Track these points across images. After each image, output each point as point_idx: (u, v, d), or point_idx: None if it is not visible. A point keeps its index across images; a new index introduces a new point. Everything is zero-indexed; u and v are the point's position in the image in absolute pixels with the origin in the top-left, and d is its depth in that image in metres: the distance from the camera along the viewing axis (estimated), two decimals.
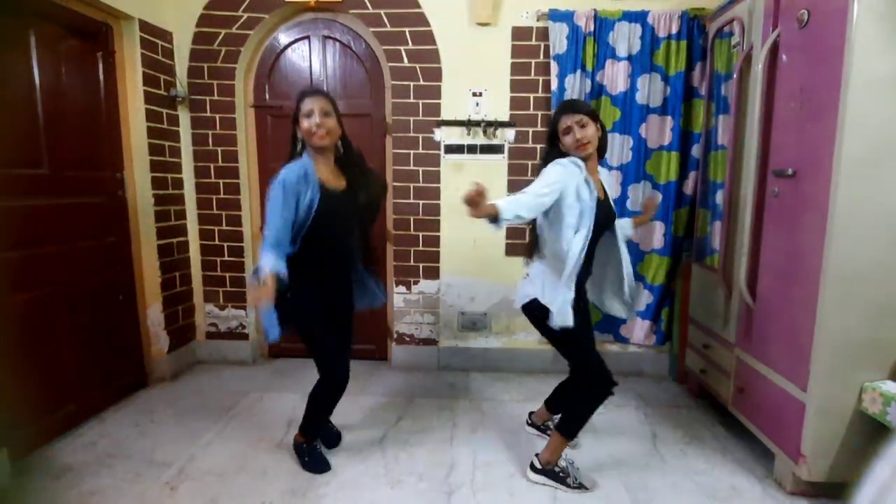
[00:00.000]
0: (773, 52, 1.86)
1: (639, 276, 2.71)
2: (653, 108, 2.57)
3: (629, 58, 2.54)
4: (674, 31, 2.49)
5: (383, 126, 2.83)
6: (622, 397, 2.55)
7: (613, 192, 1.87)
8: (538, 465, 1.84)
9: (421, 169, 2.76)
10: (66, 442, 2.07)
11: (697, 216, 2.55)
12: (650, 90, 2.55)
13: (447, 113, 2.71)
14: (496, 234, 2.77)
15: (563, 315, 1.64)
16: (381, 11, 2.64)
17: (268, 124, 2.87)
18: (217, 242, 2.87)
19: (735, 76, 2.07)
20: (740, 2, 2.10)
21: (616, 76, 2.56)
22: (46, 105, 2.04)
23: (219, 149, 2.80)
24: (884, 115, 1.50)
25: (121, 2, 2.32)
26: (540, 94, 2.68)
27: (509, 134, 2.71)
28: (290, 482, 1.83)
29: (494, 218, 1.51)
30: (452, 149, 2.73)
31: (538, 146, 2.67)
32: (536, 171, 1.79)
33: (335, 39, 2.78)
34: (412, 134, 2.74)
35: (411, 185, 2.77)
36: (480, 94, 2.69)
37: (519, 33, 2.64)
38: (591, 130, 1.66)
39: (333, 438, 2.08)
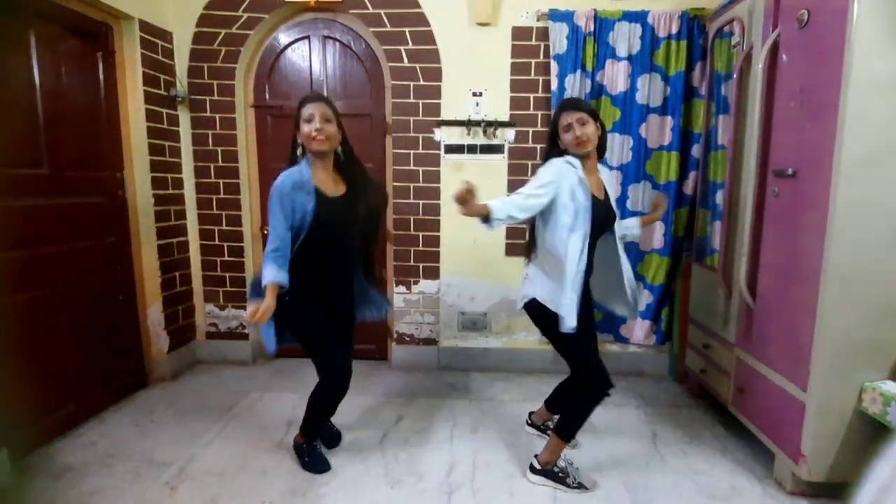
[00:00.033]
0: (773, 51, 1.86)
1: (639, 276, 2.71)
2: (653, 108, 2.57)
3: (629, 58, 2.54)
4: (674, 30, 2.49)
5: (383, 126, 2.83)
6: (622, 397, 2.55)
7: (615, 192, 1.87)
8: (537, 466, 1.84)
9: (421, 169, 2.76)
10: (66, 442, 2.07)
11: (697, 216, 2.55)
12: (650, 90, 2.55)
13: (447, 113, 2.71)
14: (496, 234, 2.77)
15: (570, 318, 1.64)
16: (381, 11, 2.64)
17: (268, 124, 2.87)
18: (217, 242, 2.87)
19: (735, 76, 2.07)
20: (740, 2, 2.10)
21: (616, 76, 2.56)
22: (46, 105, 2.04)
23: (219, 149, 2.80)
24: (884, 115, 1.50)
25: (121, 2, 2.32)
26: (540, 94, 2.68)
27: (509, 134, 2.71)
28: (290, 482, 1.83)
29: (487, 218, 1.56)
30: (452, 149, 2.73)
31: (538, 146, 2.67)
32: (537, 170, 1.80)
33: (335, 39, 2.78)
34: (412, 134, 2.74)
35: (411, 185, 2.77)
36: (480, 94, 2.69)
37: (519, 33, 2.64)
38: (591, 129, 1.67)
39: (333, 438, 2.08)
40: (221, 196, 2.83)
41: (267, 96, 2.85)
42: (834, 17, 1.55)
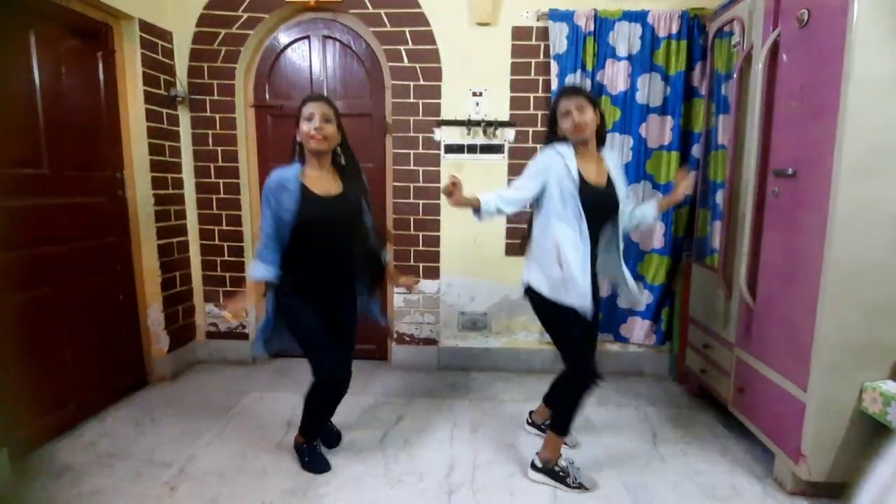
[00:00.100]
0: (774, 51, 1.86)
1: (639, 276, 2.71)
2: (653, 108, 2.57)
3: (629, 57, 2.54)
4: (674, 30, 2.49)
5: (383, 126, 2.83)
6: (622, 397, 2.56)
7: (621, 180, 1.80)
8: (538, 464, 1.84)
9: (421, 169, 2.76)
10: (66, 442, 2.07)
11: (697, 216, 2.55)
12: (650, 90, 2.55)
13: (447, 113, 2.71)
14: (496, 234, 2.78)
15: (584, 308, 1.68)
16: (381, 11, 2.64)
17: (268, 124, 2.87)
18: (217, 242, 2.87)
19: (735, 76, 2.07)
20: (740, 1, 2.10)
21: (616, 76, 2.56)
22: (46, 105, 2.04)
23: (219, 149, 2.80)
24: (884, 115, 1.50)
25: (121, 2, 2.32)
26: (540, 94, 2.68)
27: (509, 134, 2.71)
28: (290, 482, 1.83)
29: (478, 209, 1.67)
30: (452, 148, 2.73)
31: (538, 146, 2.66)
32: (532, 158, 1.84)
33: (335, 39, 2.78)
34: (412, 134, 2.74)
35: (411, 185, 2.77)
36: (480, 94, 2.69)
37: (519, 33, 2.64)
38: (590, 115, 1.68)
39: (333, 438, 2.08)
40: (221, 196, 2.83)
41: (267, 96, 2.85)
42: (834, 17, 1.55)
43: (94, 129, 2.32)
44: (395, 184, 2.78)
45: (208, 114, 2.77)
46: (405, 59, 2.68)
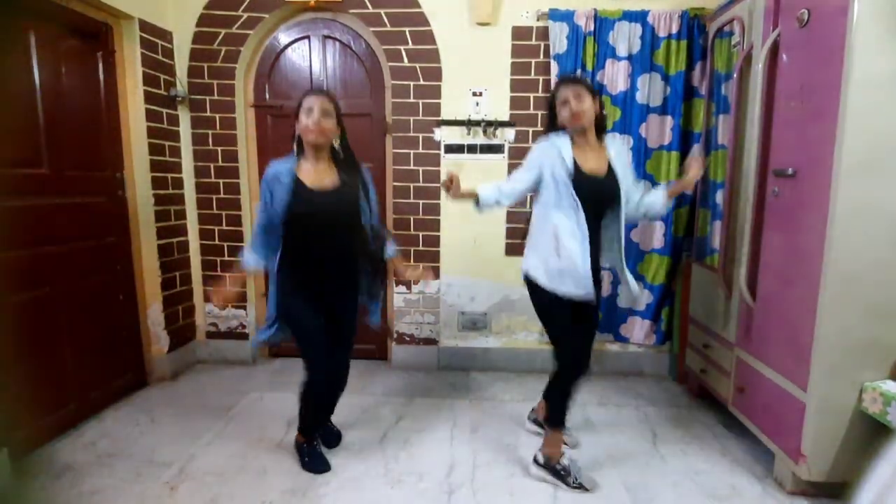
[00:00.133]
0: (774, 51, 1.86)
1: (639, 276, 2.71)
2: (653, 108, 2.57)
3: (629, 57, 2.54)
4: (674, 30, 2.49)
5: (383, 126, 2.83)
6: (622, 397, 2.56)
7: (624, 169, 1.79)
8: (540, 461, 1.85)
9: (421, 169, 2.76)
10: (66, 442, 2.07)
11: (697, 216, 2.55)
12: (650, 90, 2.55)
13: (447, 113, 2.71)
14: (496, 234, 2.78)
15: (581, 296, 1.71)
16: (381, 11, 2.64)
17: (268, 124, 2.87)
18: (217, 242, 2.87)
19: (735, 76, 2.07)
20: (740, 1, 2.10)
21: (616, 76, 2.56)
22: (46, 105, 2.04)
23: (219, 148, 2.80)
24: (884, 114, 1.49)
25: (121, 2, 2.32)
26: (540, 94, 2.68)
27: (509, 134, 2.71)
28: (290, 482, 1.83)
29: (478, 201, 1.77)
30: (452, 148, 2.73)
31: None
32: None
33: (335, 39, 2.78)
34: (412, 134, 2.74)
35: (411, 185, 2.77)
36: (480, 94, 2.69)
37: (519, 33, 2.64)
38: (588, 104, 1.69)
39: (333, 438, 2.08)
40: (221, 196, 2.83)
41: (267, 96, 2.85)
42: (834, 17, 1.55)
43: (94, 129, 2.32)
44: (395, 184, 2.78)
45: (208, 114, 2.77)
46: (405, 59, 2.68)
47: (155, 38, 2.56)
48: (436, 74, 2.68)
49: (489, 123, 2.68)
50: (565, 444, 1.96)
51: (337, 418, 2.13)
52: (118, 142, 2.44)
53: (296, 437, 1.98)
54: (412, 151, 2.75)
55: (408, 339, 2.91)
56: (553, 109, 1.77)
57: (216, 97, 2.76)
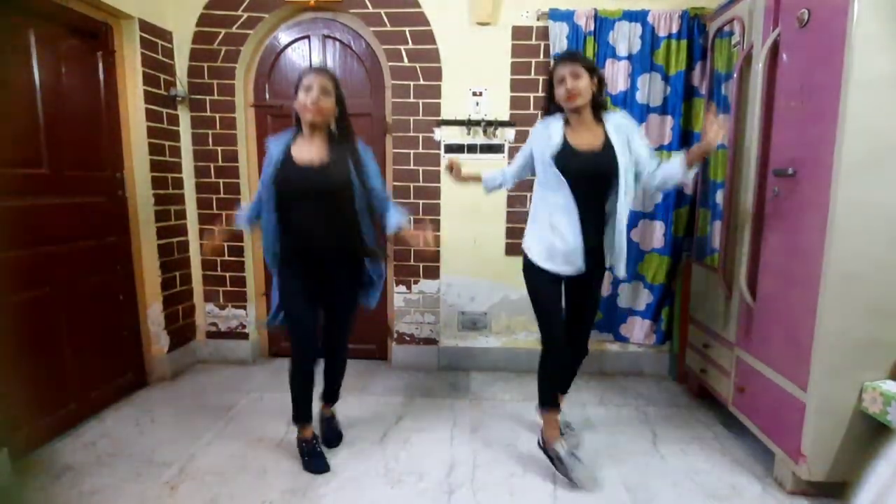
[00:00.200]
0: (774, 51, 1.86)
1: (639, 276, 2.71)
2: (653, 108, 2.57)
3: (629, 57, 2.54)
4: (674, 30, 2.49)
5: (383, 126, 2.83)
6: (622, 397, 2.56)
7: (625, 143, 1.73)
8: (540, 442, 1.89)
9: (421, 168, 2.76)
10: (67, 441, 2.07)
11: (697, 216, 2.55)
12: (650, 90, 2.55)
13: (447, 112, 2.71)
14: (497, 234, 2.78)
15: (577, 271, 1.75)
16: (381, 11, 2.64)
17: (268, 124, 2.87)
18: (217, 242, 2.86)
19: (735, 75, 2.07)
20: (740, 1, 2.10)
21: (616, 76, 2.56)
22: (46, 105, 2.04)
23: (219, 148, 2.80)
24: (884, 114, 1.49)
25: (121, 1, 2.32)
26: (540, 94, 2.67)
27: (509, 133, 2.71)
28: (290, 482, 1.83)
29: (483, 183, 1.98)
30: (452, 148, 2.73)
31: None
32: None
33: (335, 39, 2.77)
34: (412, 133, 2.74)
35: (411, 185, 2.77)
36: (480, 94, 2.69)
37: (519, 33, 2.64)
38: (584, 83, 1.69)
39: (335, 438, 2.08)
40: (221, 196, 2.83)
41: (267, 96, 2.85)
42: (834, 17, 1.55)
43: (93, 129, 2.32)
44: (395, 184, 2.77)
45: (208, 114, 2.77)
46: (405, 59, 2.68)
47: (155, 38, 2.56)
48: (436, 74, 2.68)
49: (489, 123, 2.68)
50: (562, 433, 1.97)
51: (337, 417, 2.14)
52: (118, 142, 2.44)
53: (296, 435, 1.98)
54: (412, 151, 2.75)
55: (408, 339, 2.91)
56: (552, 88, 1.77)
57: (216, 97, 2.75)
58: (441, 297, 2.86)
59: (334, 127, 1.80)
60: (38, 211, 2.02)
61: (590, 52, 2.52)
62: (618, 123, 1.76)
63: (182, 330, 2.83)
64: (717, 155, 2.34)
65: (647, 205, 2.64)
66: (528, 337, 2.86)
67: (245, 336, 2.95)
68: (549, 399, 1.88)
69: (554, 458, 1.83)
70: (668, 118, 2.56)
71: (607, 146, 1.72)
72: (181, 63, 2.73)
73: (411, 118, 2.72)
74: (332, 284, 1.88)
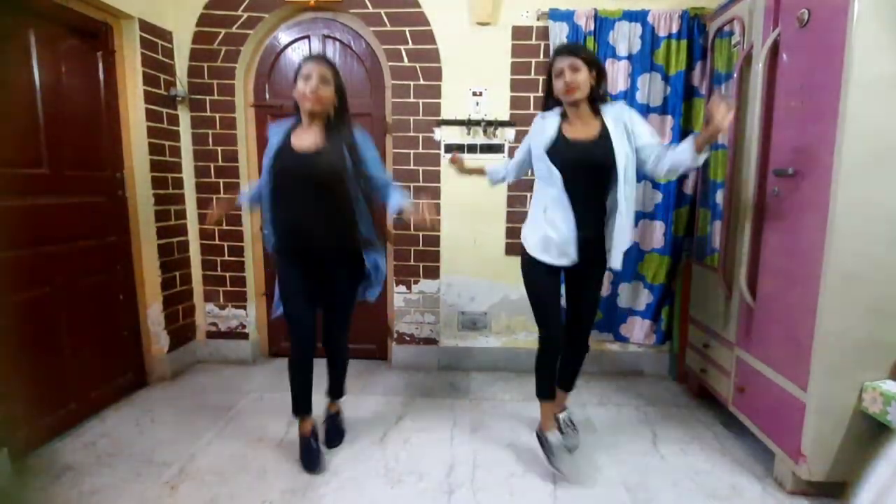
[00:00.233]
0: (774, 51, 1.86)
1: (639, 276, 2.71)
2: (653, 108, 2.57)
3: (629, 57, 2.54)
4: (674, 30, 2.49)
5: (383, 125, 2.83)
6: (622, 397, 2.56)
7: (623, 132, 1.70)
8: (538, 431, 1.93)
9: (421, 168, 2.76)
10: (67, 441, 2.07)
11: (697, 216, 2.55)
12: (650, 89, 2.55)
13: (447, 112, 2.71)
14: (497, 234, 2.78)
15: (571, 262, 1.76)
16: (381, 11, 2.64)
17: (268, 124, 2.86)
18: (217, 242, 2.87)
19: (735, 75, 2.07)
20: (740, 1, 2.10)
21: (616, 75, 2.56)
22: (46, 105, 2.04)
23: (219, 148, 2.80)
24: (884, 114, 1.49)
25: (121, 1, 2.32)
26: (540, 94, 2.65)
27: (509, 133, 2.71)
28: (290, 482, 1.83)
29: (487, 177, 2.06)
30: (452, 148, 2.73)
31: None
32: None
33: (335, 39, 2.77)
34: (412, 133, 2.74)
35: (411, 185, 2.77)
36: (480, 94, 2.69)
37: (519, 32, 2.64)
38: (583, 76, 1.68)
39: (336, 437, 2.08)
40: (221, 196, 2.83)
41: (267, 96, 2.85)
42: (834, 17, 1.55)
43: (93, 129, 2.32)
44: (395, 183, 2.77)
45: (208, 113, 2.77)
46: (405, 59, 2.68)
47: (155, 38, 2.56)
48: (436, 74, 2.68)
49: (489, 123, 2.68)
50: (562, 431, 1.98)
51: (342, 415, 2.14)
52: (118, 142, 2.44)
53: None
54: (412, 151, 2.75)
55: (408, 338, 2.91)
56: (551, 81, 1.77)
57: (216, 97, 2.75)
58: (441, 297, 2.86)
59: (334, 116, 1.81)
60: (38, 211, 2.02)
61: None
62: (616, 114, 1.74)
63: (182, 330, 2.83)
64: (717, 155, 2.34)
65: (646, 204, 2.64)
66: (528, 337, 2.86)
67: (245, 336, 2.95)
68: (546, 390, 1.90)
69: (544, 445, 1.86)
70: (669, 118, 2.56)
71: (603, 136, 1.70)
72: (181, 63, 2.73)
73: (411, 118, 2.72)
74: (332, 283, 1.89)
